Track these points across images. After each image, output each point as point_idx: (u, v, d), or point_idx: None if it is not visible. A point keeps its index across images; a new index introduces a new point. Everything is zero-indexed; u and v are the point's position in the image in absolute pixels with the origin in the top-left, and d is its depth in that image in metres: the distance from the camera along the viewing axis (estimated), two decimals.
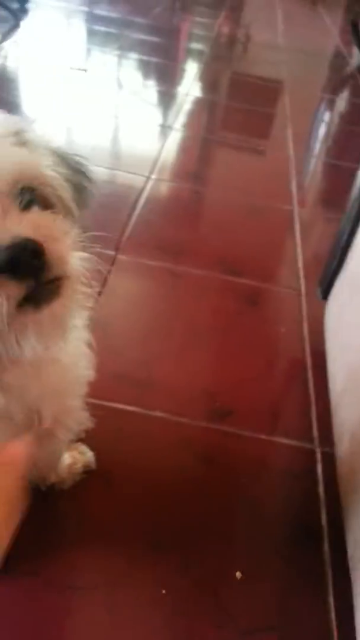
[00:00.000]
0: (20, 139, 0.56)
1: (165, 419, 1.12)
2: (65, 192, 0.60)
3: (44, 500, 0.95)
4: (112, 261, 1.52)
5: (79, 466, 0.98)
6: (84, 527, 0.93)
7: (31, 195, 0.54)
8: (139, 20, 3.87)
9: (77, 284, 0.53)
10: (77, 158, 0.65)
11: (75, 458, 0.98)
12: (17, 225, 0.48)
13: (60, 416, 0.70)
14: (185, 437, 1.10)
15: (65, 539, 0.91)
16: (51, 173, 0.58)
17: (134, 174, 2.00)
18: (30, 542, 0.89)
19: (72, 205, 0.61)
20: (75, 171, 0.63)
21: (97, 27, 3.72)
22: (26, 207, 0.53)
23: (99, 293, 1.40)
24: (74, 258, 0.52)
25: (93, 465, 1.00)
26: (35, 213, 0.53)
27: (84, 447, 1.01)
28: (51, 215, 0.54)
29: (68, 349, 0.64)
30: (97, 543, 0.91)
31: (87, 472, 0.99)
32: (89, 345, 0.72)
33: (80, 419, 0.77)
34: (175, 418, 1.12)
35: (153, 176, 1.98)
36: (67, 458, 0.97)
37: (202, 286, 1.51)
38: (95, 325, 0.74)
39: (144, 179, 1.96)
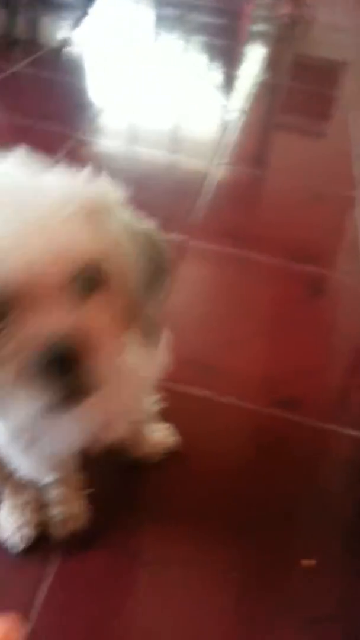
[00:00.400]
0: (91, 212, 0.50)
1: (234, 405, 1.15)
2: (135, 276, 0.54)
3: (125, 478, 1.00)
4: (184, 247, 1.54)
5: (163, 446, 1.03)
6: (161, 505, 0.97)
7: (94, 279, 0.49)
8: (203, 2, 3.83)
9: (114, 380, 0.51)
10: (152, 233, 0.58)
11: (160, 438, 1.03)
12: (64, 322, 0.46)
13: (125, 409, 0.73)
14: (252, 423, 1.12)
15: (148, 511, 0.96)
16: (122, 256, 0.52)
17: (199, 158, 2.01)
18: (114, 514, 0.94)
19: (142, 289, 0.56)
20: (151, 251, 0.57)
21: (162, 11, 3.71)
22: (87, 290, 0.49)
23: (171, 278, 1.43)
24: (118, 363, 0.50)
25: (176, 447, 1.04)
26: (89, 311, 0.48)
27: (172, 429, 1.06)
28: (107, 313, 0.50)
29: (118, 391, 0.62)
30: (172, 522, 0.95)
31: (169, 452, 1.04)
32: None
33: (149, 405, 0.80)
34: (243, 404, 1.15)
35: (217, 161, 1.99)
36: (153, 437, 1.02)
37: (267, 273, 1.51)
38: (168, 311, 0.77)
39: (208, 164, 1.96)
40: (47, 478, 0.84)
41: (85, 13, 3.32)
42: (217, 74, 2.86)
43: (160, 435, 1.04)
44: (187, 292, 1.41)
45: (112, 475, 1.00)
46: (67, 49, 2.83)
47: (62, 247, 0.45)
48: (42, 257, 0.44)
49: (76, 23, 3.20)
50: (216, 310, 1.39)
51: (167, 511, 0.97)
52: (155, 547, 0.91)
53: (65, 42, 2.90)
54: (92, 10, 3.36)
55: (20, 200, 0.45)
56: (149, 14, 3.68)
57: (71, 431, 0.65)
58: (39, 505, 0.91)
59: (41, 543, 0.89)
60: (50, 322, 0.45)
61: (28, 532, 0.88)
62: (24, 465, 0.78)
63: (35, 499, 0.91)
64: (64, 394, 0.47)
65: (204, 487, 1.01)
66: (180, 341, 1.26)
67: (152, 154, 2.02)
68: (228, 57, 3.10)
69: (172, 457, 1.03)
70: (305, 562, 0.90)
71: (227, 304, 1.41)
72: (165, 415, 1.09)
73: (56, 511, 0.89)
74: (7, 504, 0.91)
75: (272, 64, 3.03)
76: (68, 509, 0.90)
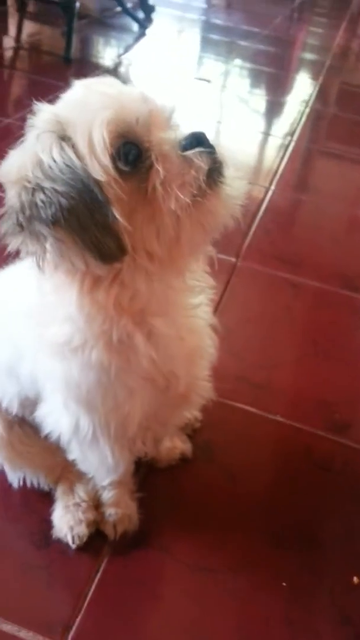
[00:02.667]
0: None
1: (283, 424, 1.17)
2: None
3: (172, 484, 1.03)
4: (233, 268, 1.59)
5: (177, 452, 1.06)
6: (209, 512, 1.00)
7: None
8: (255, 29, 3.93)
9: (237, 194, 0.61)
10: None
11: (175, 443, 1.06)
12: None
13: (192, 383, 0.77)
14: (303, 443, 1.14)
15: (192, 518, 0.99)
16: None
17: (253, 183, 2.06)
18: (161, 519, 0.98)
19: None
20: None
21: (213, 36, 3.82)
22: None
23: (221, 297, 1.47)
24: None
25: (189, 455, 1.07)
26: None
27: (184, 437, 1.09)
28: None
29: (198, 324, 0.74)
30: (220, 530, 0.98)
31: (184, 460, 1.06)
32: (213, 328, 0.79)
33: (208, 390, 0.83)
34: (293, 423, 1.17)
35: (266, 185, 2.04)
36: (168, 441, 1.05)
37: (320, 298, 1.54)
38: (217, 329, 0.81)
39: (258, 188, 2.01)
40: (105, 476, 0.88)
41: (143, 34, 3.44)
42: (265, 100, 2.93)
43: (177, 440, 1.07)
44: (237, 311, 1.45)
45: (159, 481, 1.03)
46: (120, 69, 2.94)
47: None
48: (155, 105, 0.60)
49: (131, 44, 3.32)
50: (266, 331, 1.42)
51: (212, 518, 1.00)
52: (200, 552, 0.94)
53: (119, 63, 3.01)
54: (148, 31, 3.48)
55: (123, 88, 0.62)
56: (199, 38, 3.80)
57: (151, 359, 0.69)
58: (92, 505, 0.95)
59: (94, 540, 0.92)
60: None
61: (81, 530, 0.92)
62: (86, 458, 0.83)
63: (87, 498, 0.95)
64: (213, 163, 0.58)
65: (250, 500, 1.03)
66: (229, 357, 1.31)
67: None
68: (277, 84, 3.17)
69: (217, 469, 1.07)
70: (357, 580, 0.92)
71: (277, 325, 1.44)
72: (210, 427, 1.13)
73: (110, 512, 0.93)
74: (61, 504, 0.95)
75: (320, 92, 3.09)
76: (121, 510, 0.93)
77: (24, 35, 3.24)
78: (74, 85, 0.62)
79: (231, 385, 1.24)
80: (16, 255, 0.62)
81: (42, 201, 0.53)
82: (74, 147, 0.55)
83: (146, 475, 1.03)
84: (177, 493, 1.03)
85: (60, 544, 0.91)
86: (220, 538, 0.97)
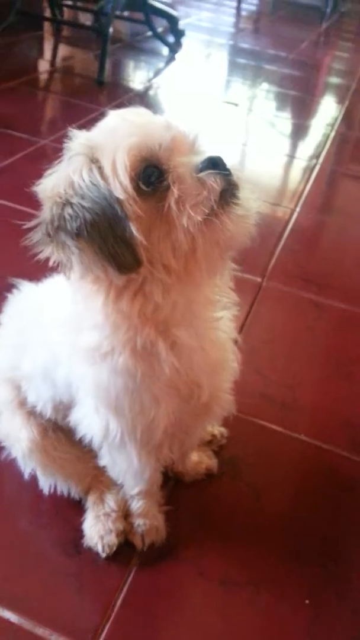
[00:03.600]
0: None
1: (307, 443, 1.19)
2: None
3: (198, 499, 1.06)
4: (258, 288, 1.62)
5: (203, 466, 1.09)
6: (235, 528, 1.03)
7: None
8: (282, 53, 4.01)
9: (249, 215, 0.65)
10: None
11: (201, 458, 1.10)
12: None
13: (215, 394, 0.81)
14: (326, 462, 1.16)
15: (217, 533, 1.01)
16: None
17: (278, 205, 2.10)
18: (187, 532, 1.00)
19: None
20: None
21: (241, 60, 3.90)
22: None
23: (246, 316, 1.51)
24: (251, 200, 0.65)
25: (215, 471, 1.10)
26: None
27: (211, 452, 1.12)
28: None
29: (220, 337, 0.78)
30: (244, 545, 1.01)
31: (209, 475, 1.09)
32: (235, 343, 0.83)
33: (229, 402, 0.86)
34: (317, 443, 1.19)
35: (290, 206, 2.08)
36: (195, 456, 1.08)
37: (344, 319, 1.57)
38: (242, 346, 0.85)
39: (282, 209, 2.05)
40: (134, 483, 0.91)
41: (173, 58, 3.53)
42: (291, 124, 2.98)
43: (203, 455, 1.10)
44: (261, 331, 1.48)
45: (186, 496, 1.06)
46: (150, 93, 3.02)
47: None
48: (179, 132, 0.66)
49: (161, 68, 3.41)
50: (290, 350, 1.45)
51: (237, 533, 1.02)
52: (225, 566, 0.96)
53: (150, 86, 3.10)
54: (178, 55, 3.57)
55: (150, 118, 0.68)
56: (226, 61, 3.88)
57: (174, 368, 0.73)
58: (121, 515, 0.98)
59: (123, 550, 0.96)
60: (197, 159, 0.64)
61: (111, 540, 0.95)
62: (115, 463, 0.87)
63: (117, 509, 0.99)
64: (227, 185, 0.63)
65: (275, 516, 1.06)
66: (254, 375, 1.34)
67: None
68: (302, 107, 3.22)
69: (242, 484, 1.09)
70: None
71: (301, 345, 1.47)
72: (236, 443, 1.16)
73: (138, 522, 0.96)
74: (92, 513, 0.98)
75: (345, 115, 3.13)
76: (149, 521, 0.96)
77: (59, 59, 3.36)
78: (108, 114, 0.68)
79: (256, 403, 1.27)
80: (54, 266, 0.68)
81: (70, 215, 0.60)
82: (100, 168, 0.62)
83: (173, 489, 1.06)
84: (203, 507, 1.05)
85: (91, 552, 0.95)
86: (245, 553, 0.99)
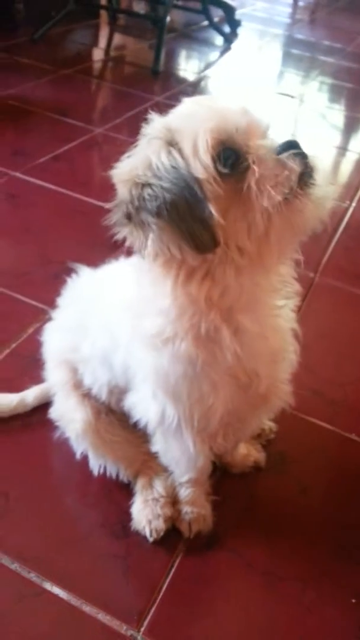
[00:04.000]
0: None
1: (358, 443, 1.17)
2: None
3: (245, 492, 1.06)
4: (311, 283, 1.60)
5: (251, 459, 1.09)
6: (281, 522, 1.02)
7: None
8: (338, 45, 3.92)
9: (327, 197, 0.66)
10: None
11: (250, 451, 1.09)
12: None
13: (273, 384, 0.81)
14: None
15: (263, 526, 1.01)
16: None
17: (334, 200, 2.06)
18: (233, 523, 1.00)
19: None
20: None
21: (296, 51, 3.84)
22: None
23: (299, 310, 1.49)
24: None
25: (262, 464, 1.09)
26: None
27: (259, 446, 1.11)
28: None
29: (282, 325, 0.78)
30: (290, 539, 1.00)
31: (257, 468, 1.09)
32: (296, 336, 0.83)
33: (287, 394, 0.86)
34: None
35: (343, 202, 2.03)
36: (243, 448, 1.08)
37: None
38: (299, 334, 0.84)
39: (344, 205, 2.01)
40: (185, 471, 0.92)
41: (228, 48, 3.50)
42: (343, 116, 2.92)
43: (252, 448, 1.09)
44: (313, 326, 1.45)
45: (233, 487, 1.06)
46: (204, 83, 3.01)
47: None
48: (254, 118, 0.67)
49: (216, 58, 3.39)
50: (342, 347, 1.42)
51: (283, 527, 1.01)
52: (270, 559, 0.96)
53: (204, 76, 3.08)
54: (233, 46, 3.53)
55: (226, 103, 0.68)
56: (281, 52, 3.82)
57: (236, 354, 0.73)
58: (169, 501, 0.99)
59: (170, 536, 0.96)
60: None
61: (159, 525, 0.96)
62: (169, 449, 0.88)
63: (165, 494, 0.99)
64: (305, 167, 0.64)
65: (321, 513, 1.05)
66: (305, 372, 1.31)
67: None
68: (357, 99, 3.15)
69: (289, 481, 1.08)
70: None
71: (354, 342, 1.44)
72: (285, 439, 1.15)
73: (186, 510, 0.97)
74: (140, 497, 0.99)
75: None
76: (197, 509, 0.97)
77: (113, 48, 3.38)
78: (184, 101, 0.69)
79: (306, 399, 1.25)
80: (122, 247, 0.69)
81: (149, 195, 0.61)
82: (180, 150, 0.63)
83: (220, 479, 1.06)
84: (250, 500, 1.05)
85: (138, 536, 0.96)
86: (290, 547, 0.99)
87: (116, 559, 0.93)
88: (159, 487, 1.00)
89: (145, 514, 0.97)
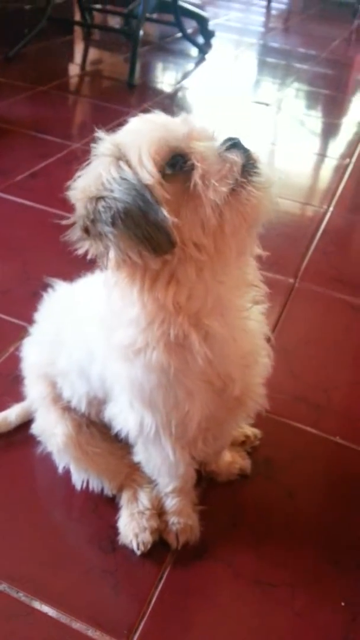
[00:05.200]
0: None
1: (343, 445, 1.18)
2: None
3: (232, 497, 1.06)
4: (291, 289, 1.61)
5: (236, 466, 1.09)
6: (269, 528, 1.03)
7: None
8: (312, 52, 3.97)
9: (271, 183, 0.68)
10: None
11: (235, 459, 1.10)
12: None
13: (247, 387, 0.83)
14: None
15: (251, 533, 1.02)
16: None
17: (310, 205, 2.08)
18: (221, 532, 1.00)
19: None
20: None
21: (271, 60, 3.88)
22: None
23: (279, 317, 1.50)
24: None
25: (248, 471, 1.10)
26: None
27: (244, 453, 1.12)
28: None
29: (251, 327, 0.80)
30: (279, 546, 1.00)
31: (242, 475, 1.09)
32: (268, 340, 0.84)
33: (262, 396, 0.88)
34: (353, 446, 1.18)
35: (323, 207, 2.06)
36: (228, 456, 1.09)
37: None
38: (274, 347, 0.85)
39: (321, 210, 2.04)
40: (168, 479, 0.92)
41: (202, 59, 3.54)
42: (322, 122, 2.96)
43: (236, 455, 1.10)
44: (295, 332, 1.47)
45: (220, 496, 1.06)
46: (180, 94, 3.03)
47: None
48: (197, 125, 0.70)
49: (191, 69, 3.42)
50: (325, 352, 1.44)
51: (271, 534, 1.02)
52: (260, 566, 0.96)
53: (180, 88, 3.11)
54: (208, 56, 3.57)
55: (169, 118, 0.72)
56: (256, 62, 3.87)
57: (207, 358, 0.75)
58: (155, 513, 0.99)
59: (158, 548, 0.96)
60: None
61: (146, 537, 0.96)
62: (150, 458, 0.89)
63: (150, 507, 0.99)
64: (247, 159, 0.67)
65: (309, 518, 1.05)
66: (288, 377, 1.33)
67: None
68: (334, 106, 3.19)
69: (276, 487, 1.09)
70: None
71: (336, 346, 1.46)
72: (270, 445, 1.15)
73: (173, 520, 0.97)
74: (126, 511, 0.99)
75: None
76: (184, 520, 0.97)
77: (89, 62, 3.40)
78: (131, 120, 0.72)
79: (290, 405, 1.26)
80: (89, 264, 0.71)
81: (103, 207, 0.64)
82: (127, 162, 0.66)
83: (207, 489, 1.06)
84: (237, 508, 1.06)
85: (126, 550, 0.96)
86: (279, 554, 0.99)
87: (105, 574, 0.93)
88: (144, 499, 1.00)
89: (131, 528, 0.97)
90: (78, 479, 1.01)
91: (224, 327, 0.74)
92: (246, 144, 0.68)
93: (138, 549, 0.95)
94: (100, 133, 0.70)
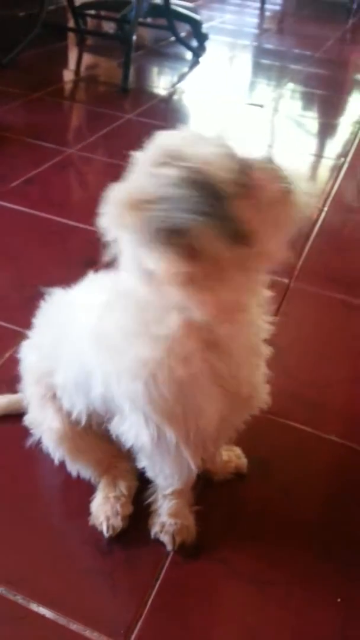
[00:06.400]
0: None
1: (340, 444, 1.19)
2: None
3: (228, 497, 1.07)
4: (286, 289, 1.62)
5: (232, 465, 1.10)
6: (265, 527, 1.03)
7: None
8: (307, 52, 3.99)
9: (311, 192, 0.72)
10: None
11: (230, 457, 1.10)
12: None
13: (254, 389, 0.84)
14: (358, 463, 1.15)
15: (248, 532, 1.02)
16: None
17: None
18: (218, 532, 1.01)
19: None
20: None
21: (265, 61, 3.90)
22: None
23: (275, 315, 1.50)
24: None
25: (244, 470, 1.10)
26: None
27: (240, 452, 1.13)
28: None
29: (261, 326, 0.81)
30: (276, 544, 1.01)
31: (238, 475, 1.10)
32: (267, 341, 0.85)
33: (266, 394, 0.89)
34: (348, 443, 1.19)
35: (318, 206, 2.06)
36: (224, 455, 1.09)
37: None
38: (269, 347, 0.85)
39: (316, 210, 2.04)
40: (172, 483, 0.93)
41: (197, 62, 3.55)
42: (317, 123, 2.97)
43: (232, 455, 1.11)
44: (290, 331, 1.48)
45: (216, 496, 1.07)
46: (175, 98, 3.05)
47: None
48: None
49: (185, 72, 3.44)
50: (320, 351, 1.44)
51: (268, 533, 1.02)
52: (257, 565, 0.97)
53: (174, 91, 3.13)
54: (202, 59, 3.59)
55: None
56: (251, 63, 3.88)
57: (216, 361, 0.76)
58: (130, 501, 1.02)
59: (155, 549, 0.97)
60: None
61: (117, 522, 0.98)
62: (164, 467, 0.89)
63: (127, 494, 1.02)
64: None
65: (305, 516, 1.06)
66: (283, 376, 1.33)
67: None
68: (329, 106, 3.20)
69: (272, 485, 1.10)
70: None
71: (331, 345, 1.46)
72: (265, 444, 1.16)
73: (170, 522, 0.97)
74: (102, 494, 1.02)
75: None
76: (180, 521, 0.97)
77: (83, 68, 3.42)
78: (160, 133, 0.71)
79: (285, 404, 1.27)
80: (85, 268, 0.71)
81: (174, 204, 0.61)
82: (188, 168, 0.63)
83: (203, 489, 1.07)
84: (234, 507, 1.06)
85: (124, 551, 0.96)
86: (277, 553, 1.00)
87: (102, 575, 0.94)
88: (122, 486, 1.02)
89: (104, 510, 0.99)
90: (72, 469, 1.04)
91: (246, 325, 0.77)
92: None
93: (107, 532, 0.97)
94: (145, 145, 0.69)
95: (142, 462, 0.91)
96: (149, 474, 0.94)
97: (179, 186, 0.62)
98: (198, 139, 0.68)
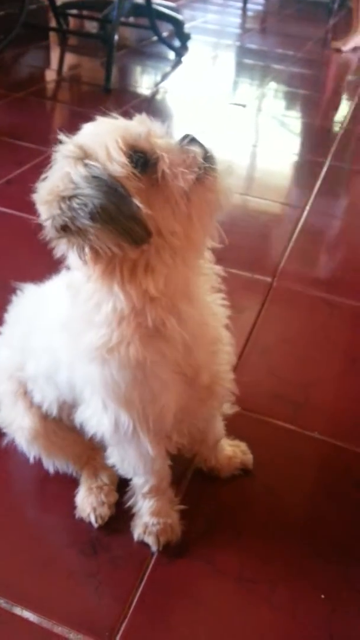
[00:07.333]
0: None
1: (322, 441, 1.20)
2: None
3: (213, 496, 1.07)
4: (269, 288, 1.63)
5: (237, 461, 1.11)
6: (249, 525, 1.04)
7: None
8: (289, 52, 4.00)
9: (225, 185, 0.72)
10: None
11: (236, 453, 1.11)
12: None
13: (215, 376, 0.85)
14: (342, 460, 1.17)
15: (232, 530, 1.02)
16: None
17: (282, 202, 2.10)
18: (203, 532, 1.01)
19: None
20: None
21: (248, 61, 3.91)
22: None
23: (257, 316, 1.51)
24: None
25: (250, 466, 1.11)
26: None
27: (245, 448, 1.13)
28: None
29: (217, 310, 0.84)
30: (260, 542, 1.01)
31: (244, 470, 1.11)
32: (228, 327, 0.87)
33: (230, 381, 0.90)
34: (332, 441, 1.20)
35: (307, 207, 2.08)
36: (229, 450, 1.10)
37: (357, 317, 1.56)
38: (253, 347, 0.86)
39: (298, 209, 2.06)
40: (144, 477, 0.93)
41: (179, 62, 3.55)
42: (300, 122, 2.98)
43: (237, 450, 1.12)
44: (273, 331, 1.48)
45: (201, 495, 1.07)
46: (157, 97, 3.05)
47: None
48: (153, 125, 0.73)
49: (168, 72, 3.43)
50: (303, 349, 1.45)
51: (253, 532, 1.03)
52: (241, 564, 0.97)
53: (157, 91, 3.12)
54: (184, 59, 3.59)
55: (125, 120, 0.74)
56: (234, 63, 3.89)
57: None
58: (113, 488, 1.04)
59: (139, 549, 0.97)
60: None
61: (104, 511, 1.00)
62: (126, 456, 0.90)
63: (109, 482, 1.04)
64: (205, 152, 0.70)
65: (290, 514, 1.06)
66: (267, 376, 1.34)
67: (235, 198, 2.14)
68: (312, 105, 3.22)
69: (256, 483, 1.10)
70: None
71: (315, 344, 1.47)
72: (250, 443, 1.16)
73: (152, 521, 0.97)
74: (85, 486, 1.03)
75: (355, 112, 3.12)
76: (163, 519, 0.97)
77: (65, 68, 3.40)
78: (85, 126, 0.74)
79: (270, 403, 1.27)
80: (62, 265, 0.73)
81: (79, 204, 0.65)
82: (95, 160, 0.67)
83: (188, 488, 1.07)
84: (218, 506, 1.06)
85: (108, 552, 0.96)
86: (261, 551, 1.00)
87: (86, 577, 0.93)
88: (103, 476, 1.04)
89: (89, 502, 1.01)
90: (48, 466, 1.05)
91: (196, 311, 0.78)
92: (201, 139, 0.72)
93: (96, 522, 0.99)
94: (62, 136, 0.71)
95: (112, 459, 0.92)
96: (120, 471, 0.94)
97: (84, 185, 0.65)
98: (113, 129, 0.70)
